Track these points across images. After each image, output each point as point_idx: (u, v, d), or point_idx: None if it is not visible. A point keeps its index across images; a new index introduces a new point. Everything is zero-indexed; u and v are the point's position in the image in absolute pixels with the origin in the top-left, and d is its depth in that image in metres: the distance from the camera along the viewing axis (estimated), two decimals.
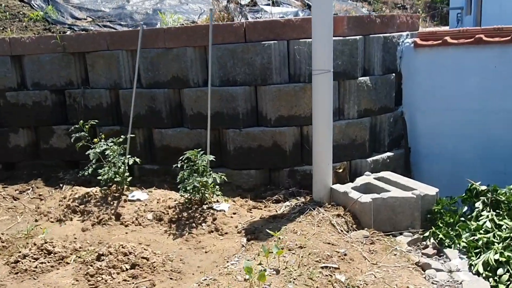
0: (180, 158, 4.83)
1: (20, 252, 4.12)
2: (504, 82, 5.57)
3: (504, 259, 3.74)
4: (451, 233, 4.32)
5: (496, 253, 3.85)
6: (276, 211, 4.91)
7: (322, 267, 3.67)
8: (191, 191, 4.69)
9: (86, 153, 5.08)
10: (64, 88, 6.31)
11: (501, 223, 4.24)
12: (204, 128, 5.40)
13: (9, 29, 6.88)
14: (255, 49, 5.31)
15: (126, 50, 5.87)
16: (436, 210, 4.62)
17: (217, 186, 4.88)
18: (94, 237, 4.55)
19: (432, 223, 4.58)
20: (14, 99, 6.39)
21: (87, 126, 5.13)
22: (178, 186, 4.83)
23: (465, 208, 4.72)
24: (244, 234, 4.39)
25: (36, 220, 5.05)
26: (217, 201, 4.87)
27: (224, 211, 4.69)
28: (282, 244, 4.00)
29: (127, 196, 5.08)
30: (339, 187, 4.93)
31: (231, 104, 5.45)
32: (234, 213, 4.71)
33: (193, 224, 4.54)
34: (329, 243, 4.13)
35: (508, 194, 4.50)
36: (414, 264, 3.93)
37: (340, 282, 3.50)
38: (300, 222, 4.51)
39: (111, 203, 5.00)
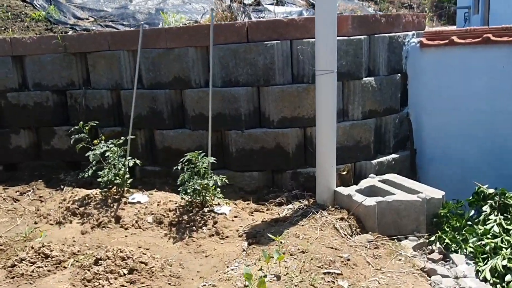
0: (181, 160, 4.75)
1: (17, 255, 4.05)
2: None
3: None
4: (458, 237, 4.21)
5: (504, 258, 3.74)
6: (279, 214, 4.82)
7: (324, 273, 3.58)
8: (191, 194, 4.61)
9: (86, 154, 5.01)
10: (66, 89, 6.25)
11: (509, 227, 4.14)
12: (206, 129, 5.31)
13: (10, 29, 6.84)
14: (258, 49, 5.22)
15: (128, 50, 5.81)
16: (442, 213, 4.52)
17: (218, 189, 4.79)
18: (93, 240, 4.48)
19: (438, 227, 4.48)
20: (15, 100, 6.34)
21: (87, 128, 5.06)
22: (179, 189, 4.75)
23: (472, 212, 4.61)
24: (245, 238, 4.30)
25: (35, 223, 4.99)
26: (218, 204, 4.79)
27: (225, 214, 4.61)
28: (283, 249, 3.91)
29: (127, 198, 5.00)
30: (343, 190, 4.83)
31: (233, 105, 5.37)
32: (236, 216, 4.62)
33: (194, 228, 4.46)
34: (332, 248, 4.03)
35: None
36: (419, 269, 3.83)
37: None
38: (302, 225, 4.42)
39: (111, 205, 4.93)
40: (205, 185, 4.62)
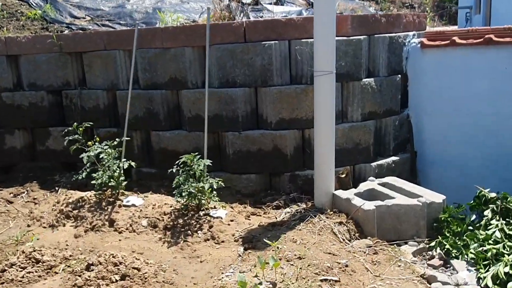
0: (176, 162, 4.66)
1: (8, 260, 3.96)
2: None
3: None
4: (459, 243, 4.12)
5: (506, 265, 3.65)
6: (276, 218, 4.73)
7: (321, 280, 3.48)
8: (186, 197, 4.51)
9: (80, 156, 4.92)
10: (61, 89, 6.16)
11: (511, 233, 4.04)
12: (203, 130, 5.21)
13: (5, 28, 6.74)
14: (255, 50, 5.12)
15: (124, 50, 5.71)
16: (443, 218, 4.43)
17: (214, 192, 4.70)
18: (87, 244, 4.39)
19: (439, 232, 4.39)
20: (10, 100, 6.25)
21: (81, 129, 4.96)
22: (173, 192, 4.66)
23: (473, 217, 4.52)
24: (241, 243, 4.21)
25: (28, 225, 4.90)
26: (214, 207, 4.69)
27: (221, 218, 4.51)
28: (280, 254, 3.82)
29: (122, 201, 4.91)
30: (341, 193, 4.74)
31: (230, 106, 5.27)
32: (232, 220, 4.53)
33: (189, 232, 4.37)
34: (330, 253, 3.94)
35: None
36: (419, 276, 3.74)
37: None
38: (300, 230, 4.33)
39: (105, 208, 4.84)
40: (201, 188, 4.53)
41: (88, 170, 4.97)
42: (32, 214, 5.08)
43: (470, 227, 4.33)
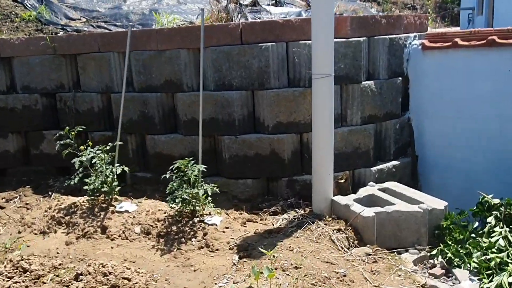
0: (170, 167, 4.54)
1: None
2: None
3: None
4: (461, 251, 3.98)
5: (510, 275, 3.52)
6: (273, 225, 4.60)
7: None
8: (180, 203, 4.39)
9: (72, 161, 4.80)
10: (55, 92, 6.04)
11: None
12: (199, 134, 5.09)
13: None
14: (252, 52, 4.99)
15: (118, 52, 5.59)
16: (444, 225, 4.29)
17: (209, 198, 4.56)
18: (78, 252, 4.27)
19: (440, 239, 4.25)
20: (3, 103, 6.13)
21: (73, 133, 4.84)
22: (167, 199, 4.53)
23: (476, 223, 4.39)
24: (236, 251, 4.07)
25: (19, 232, 4.78)
26: (209, 214, 4.56)
27: (216, 225, 4.38)
28: (276, 264, 3.69)
29: (115, 207, 4.78)
30: (340, 199, 4.61)
31: (226, 110, 5.14)
32: (227, 227, 4.39)
33: (183, 239, 4.24)
34: (327, 262, 3.82)
35: None
36: (420, 286, 3.62)
37: None
38: (297, 237, 4.21)
39: (98, 214, 4.71)
40: (195, 194, 4.40)
41: (80, 175, 4.84)
42: (24, 220, 4.96)
43: (473, 235, 4.20)
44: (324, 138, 4.50)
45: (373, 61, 5.36)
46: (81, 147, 4.84)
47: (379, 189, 4.88)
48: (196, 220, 4.45)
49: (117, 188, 4.92)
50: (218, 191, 4.60)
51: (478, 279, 3.67)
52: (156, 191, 5.40)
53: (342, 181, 4.90)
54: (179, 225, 4.41)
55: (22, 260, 3.81)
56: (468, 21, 13.18)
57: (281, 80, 5.09)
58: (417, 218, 4.27)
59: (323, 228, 4.34)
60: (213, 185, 4.56)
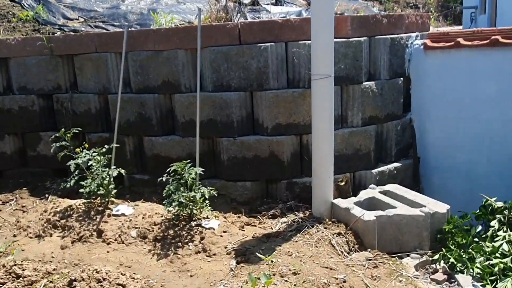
0: (167, 170, 4.46)
1: None
2: None
3: None
4: (464, 256, 3.89)
5: None
6: (272, 228, 4.51)
7: None
8: (176, 207, 4.30)
9: (67, 164, 4.72)
10: (52, 93, 5.97)
11: None
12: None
13: None
14: (251, 52, 4.91)
15: (115, 53, 5.51)
16: (447, 229, 4.21)
17: (207, 201, 4.48)
18: (73, 256, 4.19)
19: (443, 244, 4.17)
20: None
21: (68, 135, 4.77)
22: (163, 202, 4.45)
23: (479, 227, 4.30)
24: (233, 256, 3.99)
25: (14, 235, 4.71)
26: (207, 217, 4.48)
27: (214, 229, 4.30)
28: (274, 269, 3.61)
29: (112, 210, 4.71)
30: (340, 202, 4.53)
31: (224, 111, 5.05)
32: (225, 231, 4.31)
33: (179, 244, 4.16)
34: (327, 267, 3.73)
35: None
36: None
37: None
38: (296, 241, 4.12)
39: (94, 218, 4.64)
40: (192, 198, 4.32)
41: (76, 178, 4.77)
42: (19, 223, 4.89)
43: (476, 239, 4.11)
44: (324, 139, 4.41)
45: (374, 61, 5.27)
46: (77, 149, 4.76)
47: (380, 192, 4.79)
48: (193, 223, 4.37)
49: (114, 191, 4.85)
50: (216, 194, 4.53)
51: (481, 285, 3.59)
52: (154, 194, 5.33)
53: (343, 183, 4.82)
54: (176, 229, 4.33)
55: (15, 265, 3.73)
56: (471, 20, 13.08)
57: (280, 81, 5.00)
58: (419, 222, 4.18)
59: (322, 232, 4.26)
60: (210, 188, 4.48)
